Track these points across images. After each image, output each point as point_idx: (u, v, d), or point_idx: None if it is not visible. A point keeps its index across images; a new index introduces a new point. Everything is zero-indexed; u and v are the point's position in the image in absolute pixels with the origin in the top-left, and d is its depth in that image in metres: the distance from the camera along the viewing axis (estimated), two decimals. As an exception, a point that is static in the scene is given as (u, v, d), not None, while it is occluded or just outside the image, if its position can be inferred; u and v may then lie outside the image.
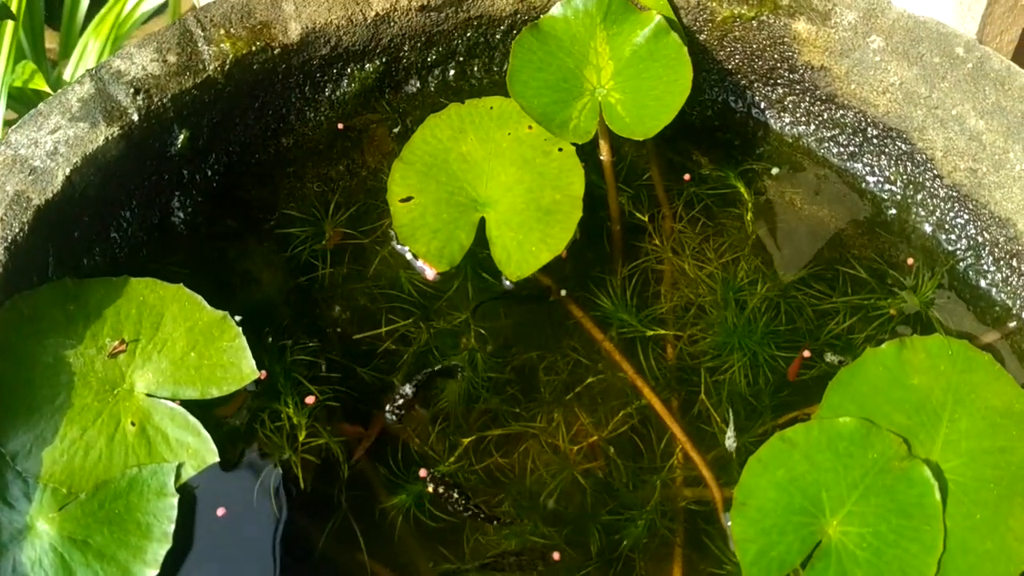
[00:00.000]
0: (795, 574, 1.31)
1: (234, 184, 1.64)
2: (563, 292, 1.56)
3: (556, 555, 1.38)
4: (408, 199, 1.55)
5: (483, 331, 1.58)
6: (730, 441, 1.44)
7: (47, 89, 1.97)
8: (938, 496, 1.26)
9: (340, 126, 1.69)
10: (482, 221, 1.53)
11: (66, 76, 2.21)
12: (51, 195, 1.40)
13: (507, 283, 1.53)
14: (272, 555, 1.40)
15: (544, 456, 1.49)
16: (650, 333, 1.51)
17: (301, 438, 1.40)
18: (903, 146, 1.60)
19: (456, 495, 1.44)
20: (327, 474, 1.44)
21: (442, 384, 1.54)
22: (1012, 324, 1.53)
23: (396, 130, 1.71)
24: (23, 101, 2.08)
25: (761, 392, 1.50)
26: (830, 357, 1.50)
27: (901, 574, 1.22)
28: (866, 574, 1.22)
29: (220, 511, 1.36)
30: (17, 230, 1.37)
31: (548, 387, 1.53)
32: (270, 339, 1.49)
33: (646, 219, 1.60)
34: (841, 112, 1.63)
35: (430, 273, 1.54)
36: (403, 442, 1.48)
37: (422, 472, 1.44)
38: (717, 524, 1.42)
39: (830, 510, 1.27)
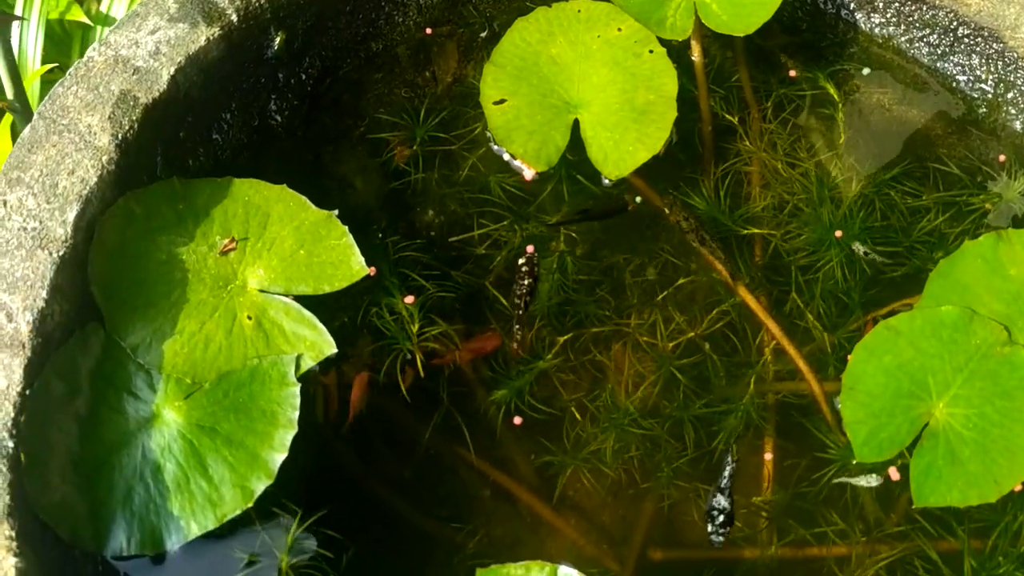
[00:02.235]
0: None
1: (327, 89, 1.65)
2: (638, 199, 1.59)
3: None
4: (502, 101, 1.56)
5: (574, 234, 1.60)
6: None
7: (85, 19, 1.95)
8: (1040, 380, 1.30)
9: (428, 31, 1.70)
10: (576, 123, 1.55)
11: (102, 8, 2.19)
12: (157, 94, 1.41)
13: (605, 181, 1.56)
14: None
15: (640, 353, 1.53)
16: (744, 232, 1.54)
17: (415, 329, 1.44)
18: (995, 45, 1.61)
19: (527, 283, 1.47)
20: (435, 370, 1.48)
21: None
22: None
23: (483, 35, 1.72)
24: (54, 39, 2.04)
25: (851, 290, 1.54)
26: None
27: (1007, 452, 1.26)
28: (973, 453, 1.27)
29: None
30: (127, 128, 1.39)
31: (640, 288, 1.56)
32: (372, 239, 1.52)
33: (736, 120, 1.61)
34: (932, 12, 1.64)
35: (528, 174, 1.56)
36: (502, 341, 1.52)
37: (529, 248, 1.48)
38: (812, 415, 1.46)
39: (936, 394, 1.32)
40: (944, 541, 1.33)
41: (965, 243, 1.39)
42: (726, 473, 1.36)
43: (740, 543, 1.39)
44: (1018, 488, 1.26)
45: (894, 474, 1.32)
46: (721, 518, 1.36)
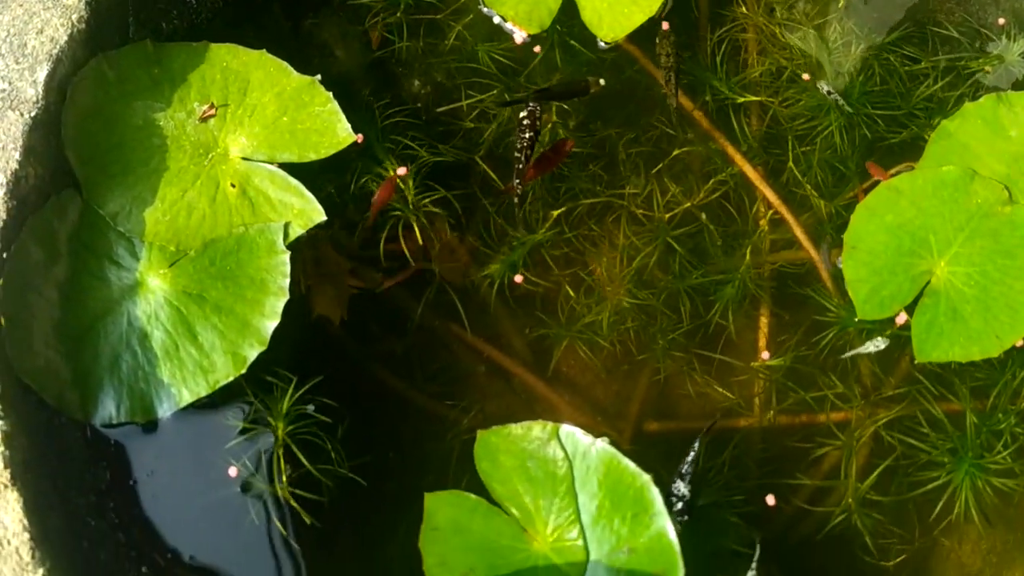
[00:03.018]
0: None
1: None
2: (601, 82, 1.53)
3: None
4: (491, -36, 1.50)
5: (566, 107, 1.55)
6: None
7: None
8: (1041, 237, 1.30)
9: None
10: (568, -16, 1.50)
11: None
12: (127, -50, 1.34)
13: (601, 45, 1.51)
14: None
15: (635, 227, 1.50)
16: (741, 100, 1.51)
17: (411, 198, 1.39)
18: (995, -95, 1.57)
19: (528, 136, 1.42)
20: (427, 245, 1.44)
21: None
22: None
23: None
24: None
25: (848, 159, 1.51)
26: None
27: (1009, 309, 1.26)
28: (975, 309, 1.26)
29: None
30: (97, -15, 1.32)
31: (633, 161, 1.53)
32: (358, 108, 1.46)
33: (733, -15, 1.57)
34: None
35: (519, 36, 1.50)
36: (492, 216, 1.49)
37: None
38: (811, 283, 1.44)
39: (937, 252, 1.30)
40: (945, 402, 1.33)
41: (966, 105, 1.37)
42: (688, 459, 1.30)
43: (739, 409, 1.40)
44: (1019, 343, 1.26)
45: (901, 318, 1.31)
46: (680, 505, 1.29)
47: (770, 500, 1.30)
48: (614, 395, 1.46)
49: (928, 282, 1.30)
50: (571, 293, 1.45)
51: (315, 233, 1.37)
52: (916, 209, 1.31)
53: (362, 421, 1.34)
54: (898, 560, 1.33)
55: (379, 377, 1.39)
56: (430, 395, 1.40)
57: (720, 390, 1.40)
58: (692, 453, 1.30)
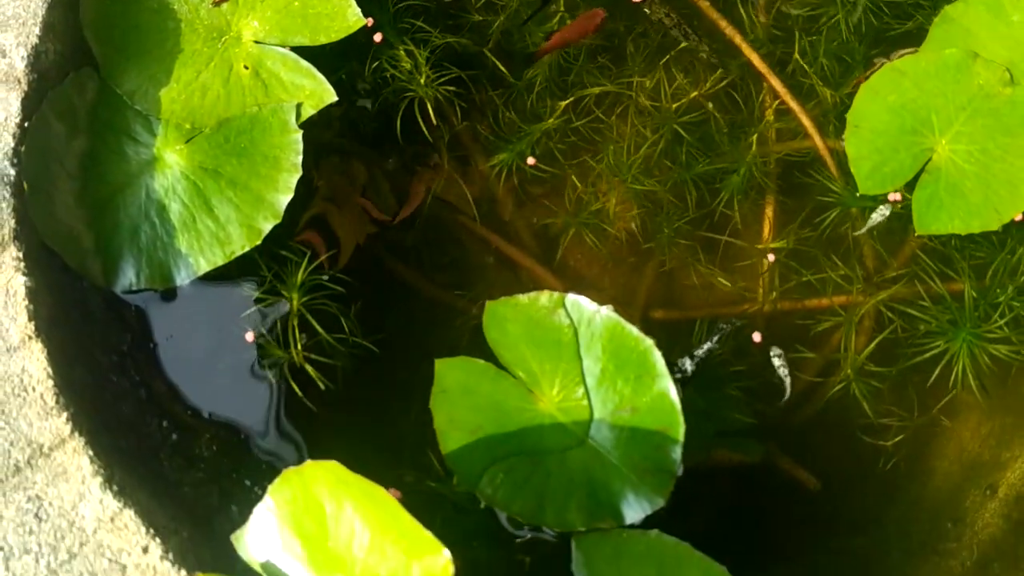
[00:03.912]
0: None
1: None
2: None
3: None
4: None
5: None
6: None
7: None
8: (1042, 116, 1.31)
9: None
10: None
11: None
12: None
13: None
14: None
15: (643, 118, 1.52)
16: (748, -10, 1.52)
17: (423, 80, 1.42)
18: None
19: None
20: (436, 130, 1.46)
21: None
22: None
23: None
24: None
25: (855, 51, 1.53)
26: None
27: (1009, 184, 1.28)
28: (975, 185, 1.28)
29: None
30: None
31: (641, 54, 1.54)
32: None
33: None
34: None
35: (528, -74, 1.52)
36: (500, 108, 1.51)
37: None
38: (816, 169, 1.46)
39: (939, 130, 1.32)
40: (947, 280, 1.35)
41: (970, -12, 1.39)
42: (705, 346, 1.34)
43: (745, 295, 1.42)
44: (1018, 218, 1.28)
45: (894, 196, 1.33)
46: (679, 376, 1.33)
47: (756, 337, 1.34)
48: (621, 287, 1.49)
49: (929, 159, 1.31)
50: (577, 184, 1.48)
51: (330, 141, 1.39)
52: (919, 90, 1.33)
53: (373, 307, 1.39)
54: (896, 439, 1.37)
55: (388, 266, 1.44)
56: (439, 285, 1.45)
57: (723, 281, 1.44)
58: (708, 344, 1.34)
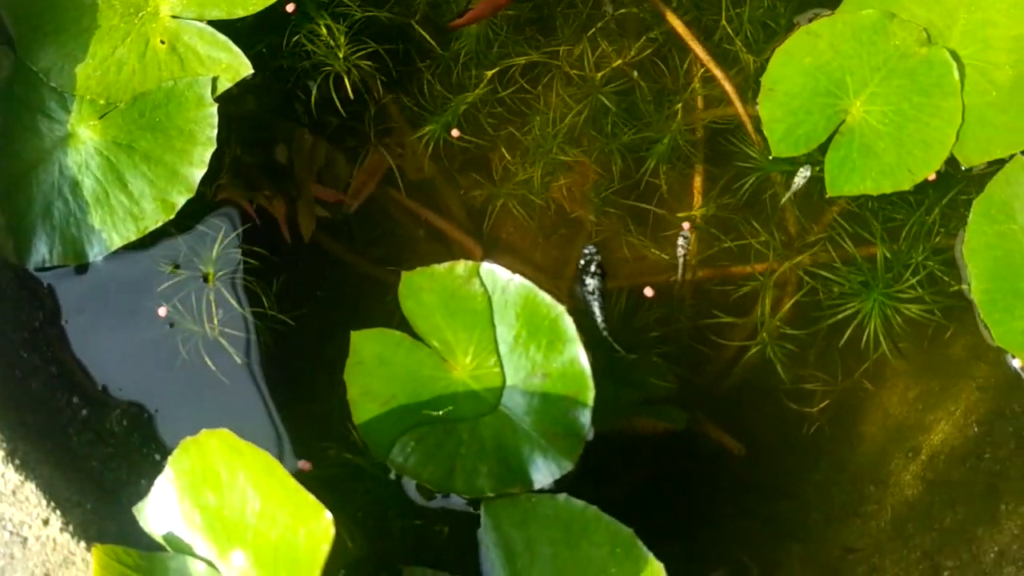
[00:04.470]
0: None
1: None
2: None
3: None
4: None
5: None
6: None
7: None
8: (957, 75, 1.30)
9: None
10: None
11: None
12: None
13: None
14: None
15: (570, 89, 1.52)
16: (672, -41, 1.51)
17: (341, 55, 1.41)
18: None
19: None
20: (351, 105, 1.46)
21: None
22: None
23: None
24: None
25: (780, 15, 1.52)
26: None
27: (923, 144, 1.28)
28: (888, 145, 1.28)
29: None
30: None
31: (574, 23, 1.54)
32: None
33: None
34: None
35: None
36: (426, 79, 1.51)
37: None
38: (734, 138, 1.45)
39: (853, 92, 1.32)
40: (865, 244, 1.35)
41: (886, -52, 1.38)
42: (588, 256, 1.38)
43: (671, 267, 1.43)
44: (932, 177, 1.29)
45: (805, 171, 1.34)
46: (596, 292, 1.38)
47: (648, 292, 1.35)
48: (553, 259, 1.49)
49: (843, 121, 1.31)
50: (506, 155, 1.48)
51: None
52: (834, 52, 1.32)
53: (299, 280, 1.39)
54: (822, 405, 1.37)
55: (316, 240, 1.44)
56: (371, 260, 1.44)
57: (655, 251, 1.44)
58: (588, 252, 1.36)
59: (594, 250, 1.40)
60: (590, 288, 1.40)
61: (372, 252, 1.46)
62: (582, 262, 1.42)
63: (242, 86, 1.35)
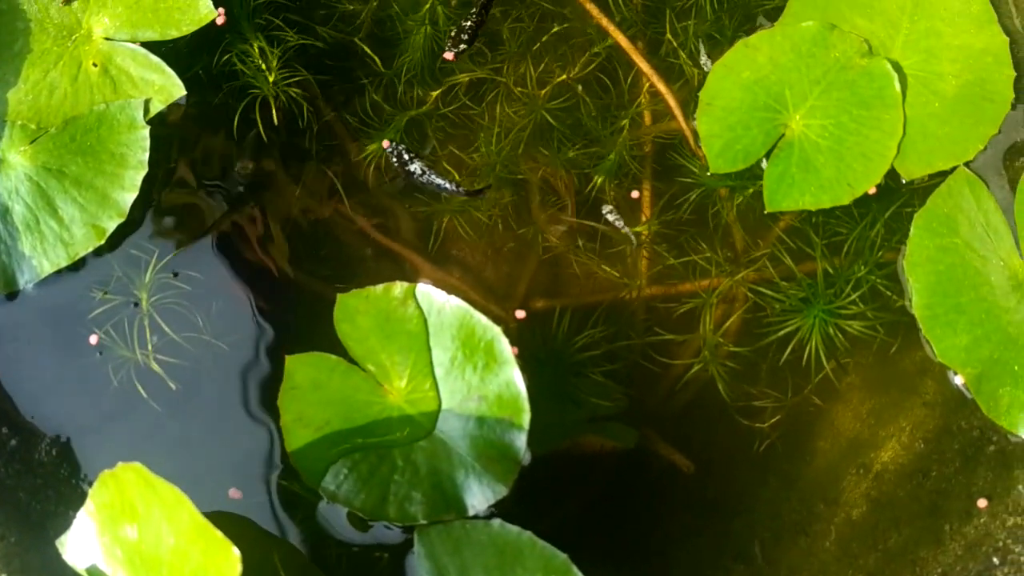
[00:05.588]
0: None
1: None
2: None
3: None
4: None
5: (446, -14, 1.55)
6: (704, 62, 1.46)
7: None
8: (898, 87, 1.29)
9: None
10: None
11: None
12: None
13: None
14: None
15: (515, 105, 1.50)
16: (617, -27, 1.50)
17: (272, 79, 1.40)
18: None
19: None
20: (295, 124, 1.45)
21: (404, 42, 1.53)
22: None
23: None
24: None
25: (725, 28, 1.51)
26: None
27: (863, 158, 1.27)
28: (828, 159, 1.27)
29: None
30: None
31: (518, 36, 1.52)
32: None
33: None
34: None
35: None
36: (370, 96, 1.49)
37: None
38: (676, 154, 1.44)
39: (793, 106, 1.30)
40: (809, 260, 1.34)
41: (829, -38, 1.37)
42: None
43: (625, 280, 1.41)
44: (872, 191, 1.27)
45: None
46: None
47: (519, 314, 1.33)
48: (504, 275, 1.48)
49: (783, 135, 1.30)
50: (452, 172, 1.46)
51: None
52: (773, 65, 1.31)
53: (239, 302, 1.37)
54: (772, 421, 1.36)
55: (258, 259, 1.41)
56: (319, 278, 1.43)
57: (606, 268, 1.43)
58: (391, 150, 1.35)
59: (394, 144, 1.39)
60: (417, 171, 1.39)
61: (320, 271, 1.44)
62: (395, 161, 1.40)
63: (178, 107, 1.34)
